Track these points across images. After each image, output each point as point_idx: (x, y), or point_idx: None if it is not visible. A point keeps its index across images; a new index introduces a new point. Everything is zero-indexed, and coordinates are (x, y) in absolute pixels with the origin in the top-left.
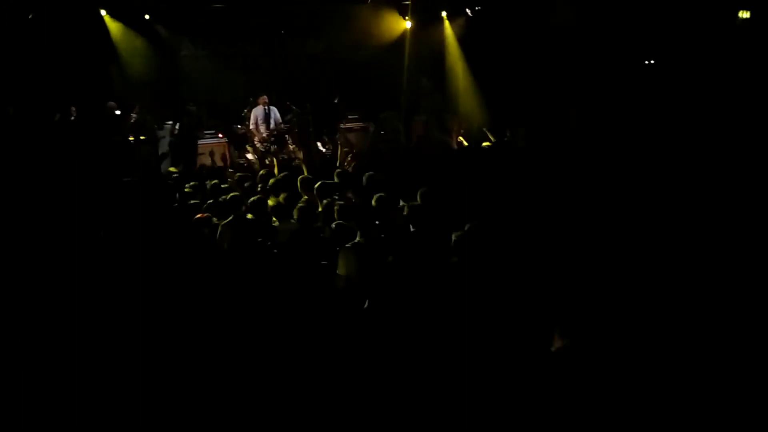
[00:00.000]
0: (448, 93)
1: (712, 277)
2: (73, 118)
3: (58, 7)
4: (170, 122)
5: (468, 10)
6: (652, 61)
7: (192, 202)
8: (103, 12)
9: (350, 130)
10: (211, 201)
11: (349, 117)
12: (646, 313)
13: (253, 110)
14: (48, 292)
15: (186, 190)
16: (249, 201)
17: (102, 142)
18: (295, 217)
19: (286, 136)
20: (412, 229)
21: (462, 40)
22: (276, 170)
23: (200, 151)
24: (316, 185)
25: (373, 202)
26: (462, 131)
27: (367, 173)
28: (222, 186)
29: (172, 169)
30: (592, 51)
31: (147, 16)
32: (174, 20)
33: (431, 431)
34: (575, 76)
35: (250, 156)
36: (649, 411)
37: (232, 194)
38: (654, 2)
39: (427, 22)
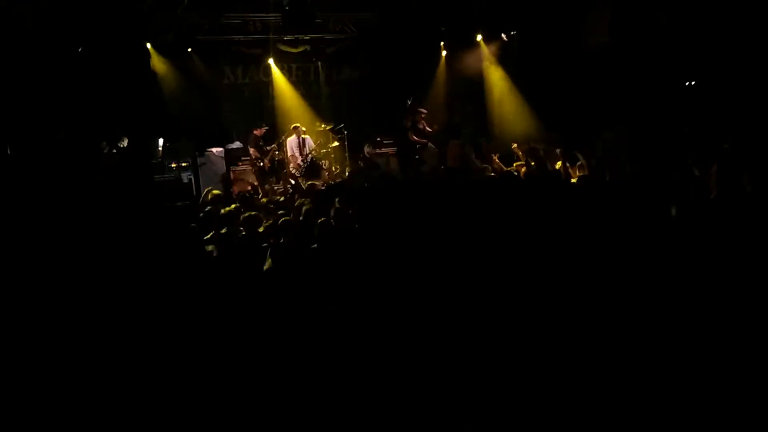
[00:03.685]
0: (485, 117)
1: None
2: (122, 146)
3: (105, 41)
4: (213, 149)
5: (503, 35)
6: (693, 83)
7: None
8: (148, 45)
9: (384, 155)
10: None
11: (384, 142)
12: None
13: (288, 139)
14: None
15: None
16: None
17: (147, 170)
18: None
19: (322, 162)
20: None
21: (498, 63)
22: None
23: (239, 176)
24: None
25: None
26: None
27: None
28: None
29: None
30: (630, 72)
31: (189, 49)
32: (215, 50)
33: None
34: (613, 98)
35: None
36: None
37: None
38: (692, 20)
39: (462, 48)
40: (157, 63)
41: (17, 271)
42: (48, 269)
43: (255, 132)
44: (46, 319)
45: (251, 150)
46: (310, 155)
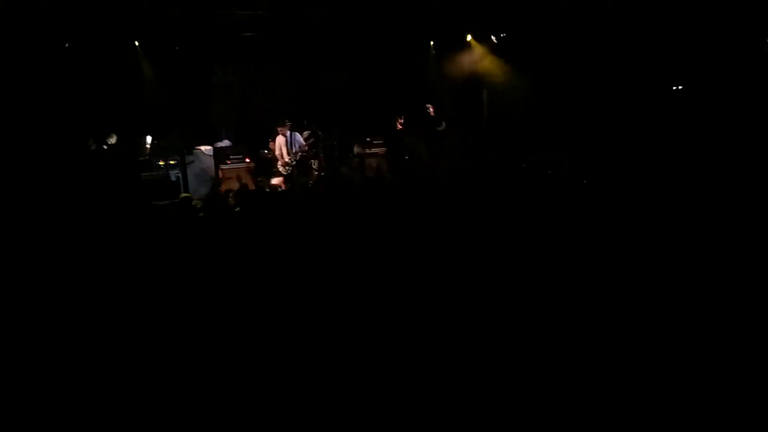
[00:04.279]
0: (479, 114)
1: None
2: (111, 142)
3: (93, 37)
4: (201, 147)
5: (493, 37)
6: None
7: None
8: (136, 42)
9: (375, 155)
10: None
11: (374, 142)
12: None
13: (278, 137)
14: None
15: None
16: None
17: (134, 168)
18: None
19: (311, 161)
20: None
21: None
22: None
23: (227, 175)
24: None
25: None
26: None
27: None
28: None
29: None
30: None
31: (177, 47)
32: (205, 48)
33: None
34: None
35: (274, 181)
36: None
37: None
38: (682, 28)
39: (451, 49)
40: (146, 60)
41: (5, 268)
42: (35, 266)
43: (279, 129)
44: (33, 314)
45: (271, 144)
46: (299, 153)
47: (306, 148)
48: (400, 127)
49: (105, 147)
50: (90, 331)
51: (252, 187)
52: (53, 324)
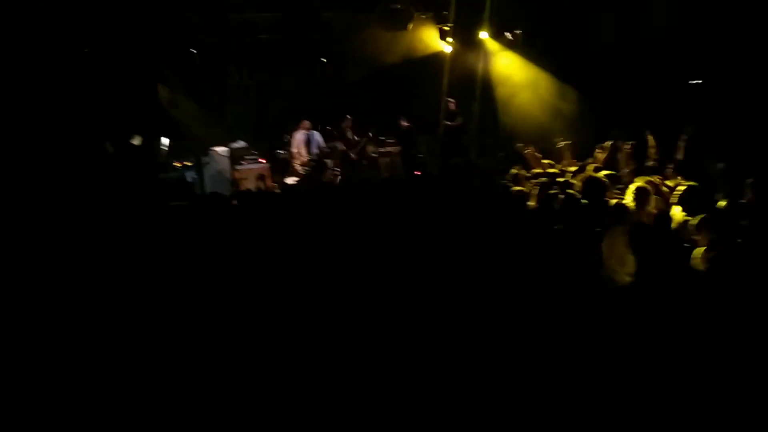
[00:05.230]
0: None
1: None
2: (136, 143)
3: (110, 42)
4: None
5: (508, 34)
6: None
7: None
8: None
9: (388, 153)
10: None
11: (387, 141)
12: None
13: (296, 135)
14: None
15: None
16: None
17: (154, 169)
18: None
19: (327, 161)
20: None
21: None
22: None
23: (243, 175)
24: None
25: None
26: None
27: None
28: None
29: None
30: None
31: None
32: (220, 51)
33: None
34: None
35: (289, 180)
36: None
37: None
38: (698, 22)
39: (467, 46)
40: (162, 64)
41: (23, 271)
42: (52, 269)
43: (300, 125)
44: (49, 318)
45: (291, 139)
46: (317, 153)
47: (327, 150)
48: (407, 125)
49: (125, 149)
50: (103, 331)
51: (263, 187)
52: (69, 324)
